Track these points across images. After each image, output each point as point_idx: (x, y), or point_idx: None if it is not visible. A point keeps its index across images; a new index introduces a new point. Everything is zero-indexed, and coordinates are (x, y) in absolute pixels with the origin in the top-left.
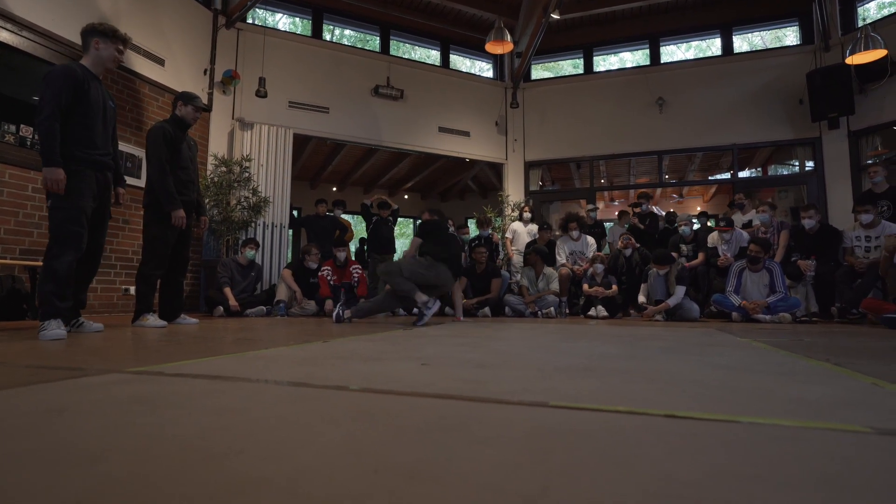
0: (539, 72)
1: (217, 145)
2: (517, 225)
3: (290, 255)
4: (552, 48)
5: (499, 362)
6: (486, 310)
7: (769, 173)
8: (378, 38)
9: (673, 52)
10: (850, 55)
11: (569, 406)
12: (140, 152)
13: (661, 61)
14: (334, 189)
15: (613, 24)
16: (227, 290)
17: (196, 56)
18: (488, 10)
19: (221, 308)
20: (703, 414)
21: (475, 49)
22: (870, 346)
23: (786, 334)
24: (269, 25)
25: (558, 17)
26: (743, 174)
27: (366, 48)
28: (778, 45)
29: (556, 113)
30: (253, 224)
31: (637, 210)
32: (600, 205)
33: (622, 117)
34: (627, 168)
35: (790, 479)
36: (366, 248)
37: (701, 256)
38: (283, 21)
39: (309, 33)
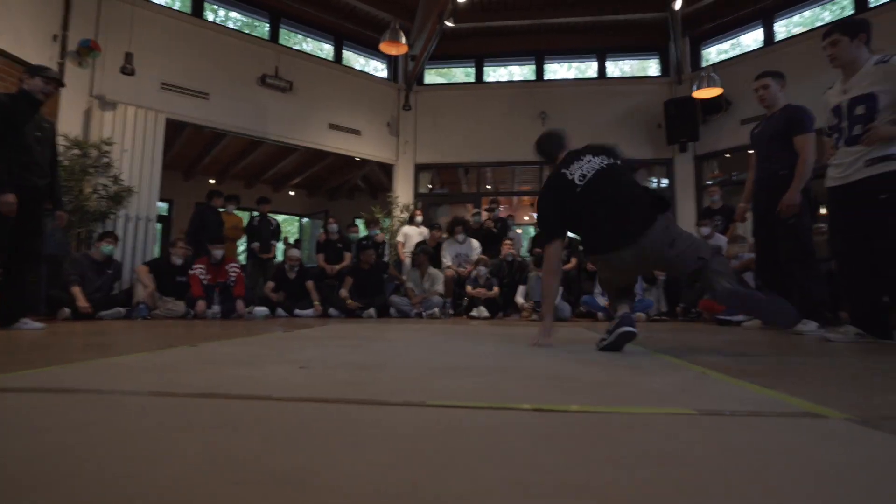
0: (432, 76)
1: (69, 124)
2: (408, 228)
3: (157, 250)
4: (446, 55)
5: (380, 363)
6: (372, 311)
7: None
8: (268, 24)
9: (556, 70)
10: (695, 90)
11: (445, 405)
12: None
13: (545, 77)
14: (212, 181)
15: (503, 37)
16: (76, 290)
17: (42, 19)
18: (384, 10)
19: (67, 310)
20: (567, 406)
21: (370, 48)
22: (703, 341)
23: (640, 332)
24: None
25: (452, 25)
26: None
27: (253, 34)
28: (643, 74)
29: (447, 118)
30: (112, 216)
31: (490, 214)
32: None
33: (508, 127)
34: (511, 176)
35: (634, 457)
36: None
37: (573, 261)
38: None
39: (189, 11)
